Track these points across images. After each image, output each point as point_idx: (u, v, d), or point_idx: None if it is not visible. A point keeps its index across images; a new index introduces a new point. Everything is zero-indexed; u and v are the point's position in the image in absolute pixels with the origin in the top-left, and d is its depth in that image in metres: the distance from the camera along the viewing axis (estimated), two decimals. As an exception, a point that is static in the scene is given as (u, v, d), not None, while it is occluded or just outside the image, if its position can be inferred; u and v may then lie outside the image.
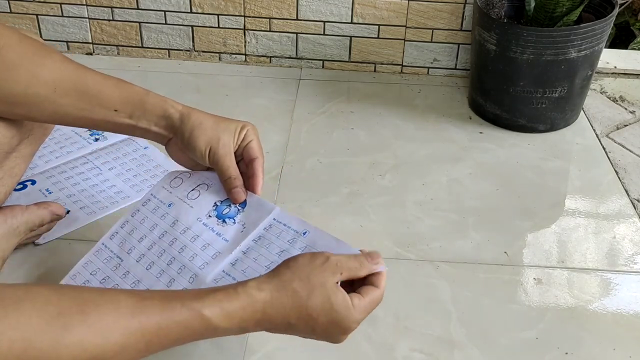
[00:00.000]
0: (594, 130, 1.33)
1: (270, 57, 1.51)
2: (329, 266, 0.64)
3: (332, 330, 0.64)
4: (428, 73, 1.51)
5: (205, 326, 0.59)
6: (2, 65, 0.71)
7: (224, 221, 0.77)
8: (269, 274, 0.64)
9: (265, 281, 0.63)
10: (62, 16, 1.48)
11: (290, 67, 1.51)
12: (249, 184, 0.79)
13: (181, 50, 1.51)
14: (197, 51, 1.51)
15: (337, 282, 0.64)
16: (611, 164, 1.22)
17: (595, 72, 1.33)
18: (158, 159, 1.16)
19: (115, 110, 0.76)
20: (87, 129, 1.22)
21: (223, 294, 0.61)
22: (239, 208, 0.78)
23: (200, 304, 0.59)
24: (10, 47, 0.72)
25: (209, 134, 0.76)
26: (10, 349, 0.48)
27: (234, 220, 0.77)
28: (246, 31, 1.48)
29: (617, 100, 1.45)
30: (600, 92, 1.47)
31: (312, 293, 0.62)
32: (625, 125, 1.36)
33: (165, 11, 1.47)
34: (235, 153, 0.79)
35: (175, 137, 0.78)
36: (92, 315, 0.53)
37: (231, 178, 0.77)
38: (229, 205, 0.78)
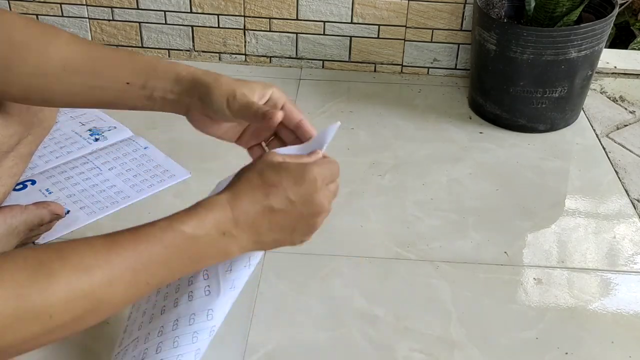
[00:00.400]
0: (594, 130, 1.33)
1: (270, 57, 1.51)
2: (268, 154, 0.66)
3: (305, 189, 0.64)
4: (428, 73, 1.51)
5: (183, 238, 0.59)
6: (11, 47, 0.71)
7: None
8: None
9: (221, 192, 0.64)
10: (62, 16, 1.48)
11: (290, 67, 1.51)
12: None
13: (181, 50, 1.51)
14: (197, 51, 1.51)
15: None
16: (611, 164, 1.22)
17: (595, 72, 1.33)
18: (158, 159, 1.16)
19: (127, 83, 0.73)
20: (88, 129, 1.22)
21: (187, 208, 0.62)
22: None
23: (169, 220, 0.60)
24: (17, 28, 0.72)
25: (229, 85, 0.71)
26: (4, 307, 0.49)
27: None
28: (246, 31, 1.48)
29: (617, 100, 1.45)
30: (600, 92, 1.47)
31: (262, 172, 0.64)
32: (625, 125, 1.36)
33: (165, 11, 1.47)
34: None
35: (193, 100, 0.73)
36: (72, 258, 0.54)
37: (260, 107, 0.70)
38: None
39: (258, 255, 0.70)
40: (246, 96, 0.70)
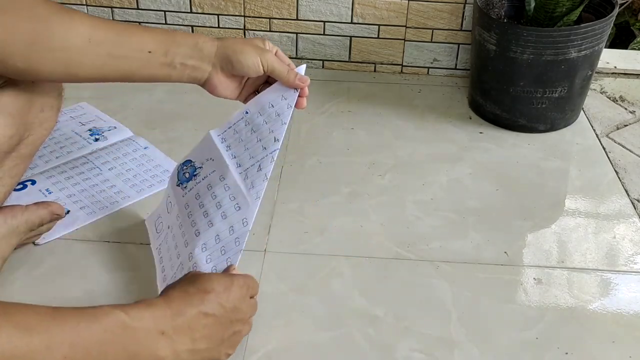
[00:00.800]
0: (594, 130, 1.33)
1: (270, 57, 1.51)
2: (193, 271, 0.75)
3: (234, 295, 0.71)
4: (428, 73, 1.51)
5: (122, 326, 0.61)
6: (37, 21, 0.72)
7: (194, 176, 0.83)
8: None
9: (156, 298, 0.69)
10: (62, 16, 1.48)
11: (290, 67, 1.51)
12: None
13: (181, 50, 1.51)
14: (197, 51, 1.51)
15: None
16: (611, 164, 1.22)
17: (595, 72, 1.33)
18: (158, 159, 1.16)
19: (150, 52, 0.78)
20: (88, 129, 1.22)
21: (132, 303, 0.65)
22: (190, 164, 0.85)
23: (111, 307, 0.63)
24: (39, 5, 0.73)
25: (252, 48, 0.82)
26: None
27: (200, 167, 0.83)
28: (246, 31, 1.48)
29: (617, 100, 1.45)
30: (600, 92, 1.47)
31: (194, 281, 0.70)
32: (625, 125, 1.36)
33: (165, 11, 1.47)
34: None
35: (215, 65, 0.81)
36: (16, 315, 0.56)
37: (290, 69, 0.83)
38: (183, 174, 0.85)
39: None
40: (271, 51, 0.83)
